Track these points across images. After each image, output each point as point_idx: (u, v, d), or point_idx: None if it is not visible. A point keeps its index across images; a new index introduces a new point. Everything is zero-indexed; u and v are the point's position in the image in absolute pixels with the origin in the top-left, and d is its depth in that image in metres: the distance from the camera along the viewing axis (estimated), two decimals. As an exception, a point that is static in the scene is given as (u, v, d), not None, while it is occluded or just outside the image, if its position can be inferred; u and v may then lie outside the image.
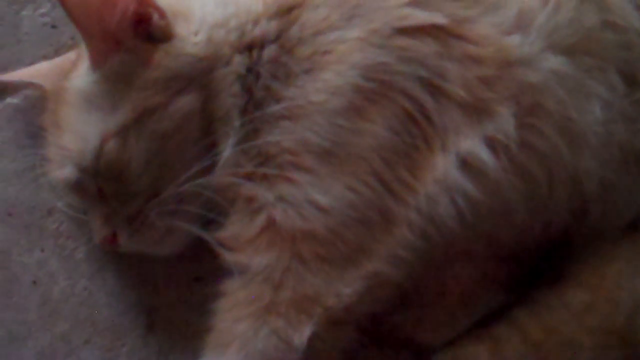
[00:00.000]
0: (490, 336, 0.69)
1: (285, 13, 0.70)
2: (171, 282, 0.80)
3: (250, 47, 0.70)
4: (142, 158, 0.69)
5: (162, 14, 0.72)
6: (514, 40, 0.67)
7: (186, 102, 0.70)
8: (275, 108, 0.68)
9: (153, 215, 0.71)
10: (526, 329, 0.68)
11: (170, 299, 0.80)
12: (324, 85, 0.67)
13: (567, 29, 0.67)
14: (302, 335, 0.64)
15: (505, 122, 0.66)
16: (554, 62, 0.66)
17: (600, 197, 0.69)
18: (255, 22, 0.71)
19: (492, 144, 0.66)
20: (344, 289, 0.65)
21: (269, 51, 0.69)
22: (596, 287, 0.69)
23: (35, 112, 0.81)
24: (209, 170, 0.70)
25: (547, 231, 0.71)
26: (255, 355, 0.64)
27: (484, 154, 0.65)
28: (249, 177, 0.69)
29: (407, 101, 0.66)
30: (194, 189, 0.70)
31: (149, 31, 0.71)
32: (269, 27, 0.70)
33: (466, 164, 0.66)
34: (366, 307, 0.67)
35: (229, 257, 0.68)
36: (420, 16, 0.67)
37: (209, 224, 0.72)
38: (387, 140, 0.66)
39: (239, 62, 0.70)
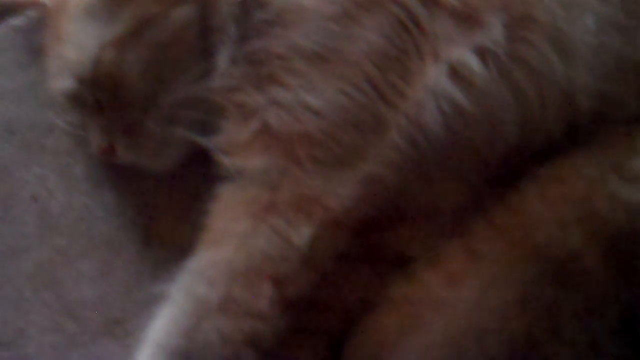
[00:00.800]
0: (464, 232, 0.70)
1: None
2: (168, 199, 0.81)
3: None
4: (140, 68, 0.70)
5: None
6: None
7: (184, 11, 0.71)
8: (267, 14, 0.69)
9: (149, 125, 0.72)
10: (494, 215, 0.69)
11: (167, 214, 0.81)
12: None
13: None
14: (301, 234, 0.65)
15: (495, 31, 0.67)
16: None
17: (594, 111, 0.70)
18: None
19: (481, 53, 0.67)
20: (342, 190, 0.66)
21: None
22: (563, 161, 0.69)
23: (36, 33, 0.81)
24: (204, 78, 0.71)
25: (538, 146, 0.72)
26: (255, 253, 0.65)
27: (473, 63, 0.67)
28: (242, 83, 0.69)
29: (399, 9, 0.68)
30: (189, 94, 0.71)
31: None
32: None
33: (455, 73, 0.67)
34: (364, 210, 0.68)
35: (226, 161, 0.69)
36: None
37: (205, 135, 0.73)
38: (379, 46, 0.68)
39: None
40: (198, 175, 0.77)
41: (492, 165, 0.73)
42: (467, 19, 0.68)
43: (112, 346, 0.78)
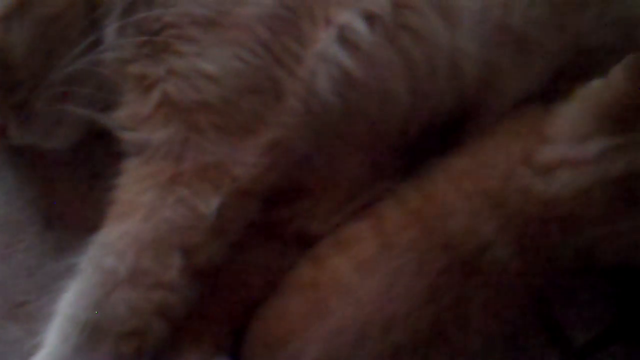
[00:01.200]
0: (372, 213, 0.70)
1: None
2: (68, 180, 0.78)
3: None
4: (27, 44, 0.68)
5: None
6: None
7: None
8: None
9: (41, 103, 0.70)
10: (406, 199, 0.69)
11: (68, 195, 0.78)
12: None
13: None
14: (209, 204, 0.65)
15: None
16: None
17: (481, 79, 0.70)
18: None
19: (369, 18, 0.67)
20: (248, 157, 0.66)
21: None
22: (475, 153, 0.69)
23: None
24: (93, 52, 0.68)
25: (432, 117, 0.72)
26: (163, 223, 0.65)
27: (361, 28, 0.67)
28: (136, 54, 0.68)
29: None
30: (79, 69, 0.68)
31: None
32: None
33: (343, 37, 0.67)
34: (272, 178, 0.68)
35: (127, 136, 0.67)
36: None
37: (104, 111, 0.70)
38: (270, 9, 0.67)
39: None
40: (100, 152, 0.76)
41: (390, 138, 0.73)
42: None
43: (16, 330, 0.75)
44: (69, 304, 0.64)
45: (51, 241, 0.77)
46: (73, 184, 0.79)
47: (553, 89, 0.70)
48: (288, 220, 0.73)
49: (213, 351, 0.69)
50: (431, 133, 0.73)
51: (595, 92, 0.66)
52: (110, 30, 0.68)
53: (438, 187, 0.69)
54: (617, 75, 0.64)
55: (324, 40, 0.67)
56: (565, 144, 0.65)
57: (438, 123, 0.72)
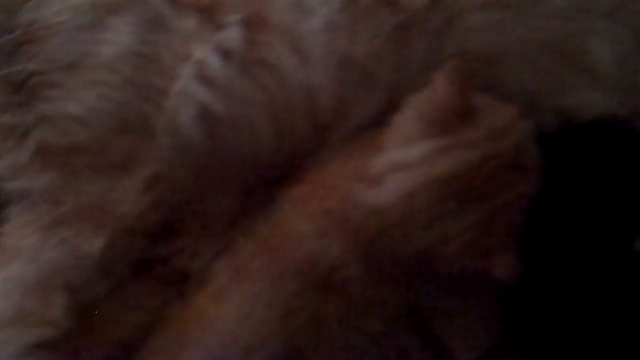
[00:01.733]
0: (229, 248, 0.73)
1: None
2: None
3: None
4: None
5: None
6: None
7: None
8: (14, 35, 0.71)
9: None
10: (257, 230, 0.72)
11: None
12: (63, 5, 0.72)
13: None
14: (93, 243, 0.69)
15: (233, 31, 0.72)
16: None
17: (334, 110, 0.74)
18: None
19: (223, 52, 0.72)
20: (129, 195, 0.71)
21: None
22: (317, 176, 0.73)
23: None
24: None
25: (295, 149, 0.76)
26: (47, 264, 0.69)
27: (216, 62, 0.72)
28: (6, 106, 0.71)
29: (146, 10, 0.73)
30: None
31: None
32: None
33: (201, 73, 0.72)
34: (157, 215, 0.73)
35: (7, 187, 0.71)
36: None
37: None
38: (131, 47, 0.72)
39: None
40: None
41: (258, 172, 0.76)
42: (209, 18, 0.73)
43: None
44: None
45: None
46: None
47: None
48: (167, 259, 0.75)
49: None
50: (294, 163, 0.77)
51: (422, 98, 0.69)
52: None
53: (285, 214, 0.72)
54: (439, 80, 0.67)
55: (184, 77, 0.72)
56: (394, 148, 0.68)
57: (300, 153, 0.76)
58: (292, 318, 0.66)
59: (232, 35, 0.73)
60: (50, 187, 0.70)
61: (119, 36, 0.72)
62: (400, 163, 0.67)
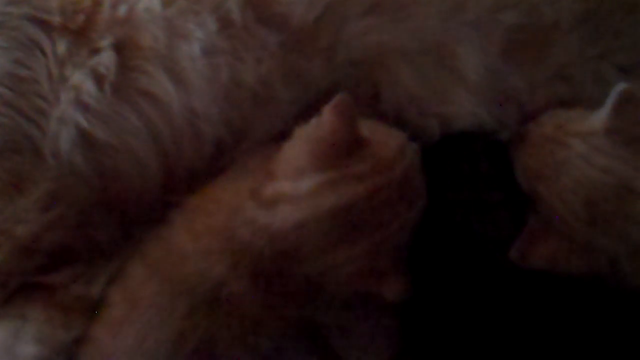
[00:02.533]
0: (120, 273, 0.73)
1: None
2: None
3: None
4: None
5: None
6: None
7: None
8: None
9: None
10: (147, 252, 0.72)
11: None
12: None
13: None
14: None
15: (107, 55, 0.72)
16: (148, 2, 0.73)
17: (220, 138, 0.75)
18: None
19: (97, 77, 0.72)
20: (25, 215, 0.71)
21: None
22: (206, 192, 0.73)
23: None
24: None
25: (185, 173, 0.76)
26: None
27: (91, 88, 0.71)
28: None
29: (17, 34, 0.73)
30: None
31: None
32: None
33: (78, 98, 0.72)
34: (55, 235, 0.72)
35: None
36: None
37: None
38: (8, 69, 0.72)
39: None
40: None
41: (151, 196, 0.76)
42: (83, 41, 0.73)
43: None
44: None
45: None
46: None
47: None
48: (67, 286, 0.74)
49: None
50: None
51: (309, 130, 0.70)
52: None
53: (173, 233, 0.72)
54: (326, 113, 0.68)
55: (63, 102, 0.72)
56: (285, 179, 0.69)
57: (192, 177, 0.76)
58: (185, 340, 0.67)
59: (105, 61, 0.73)
60: None
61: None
62: (291, 195, 0.68)
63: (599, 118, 0.71)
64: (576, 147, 0.71)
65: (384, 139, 0.71)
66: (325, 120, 0.68)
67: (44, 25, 0.74)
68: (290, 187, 0.69)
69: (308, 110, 0.74)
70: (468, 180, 0.74)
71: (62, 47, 0.73)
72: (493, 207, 0.73)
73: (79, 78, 0.72)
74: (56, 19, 0.74)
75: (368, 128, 0.71)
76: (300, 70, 0.75)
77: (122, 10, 0.74)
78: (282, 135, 0.73)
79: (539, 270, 0.71)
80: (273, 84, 0.75)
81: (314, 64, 0.75)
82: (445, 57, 0.77)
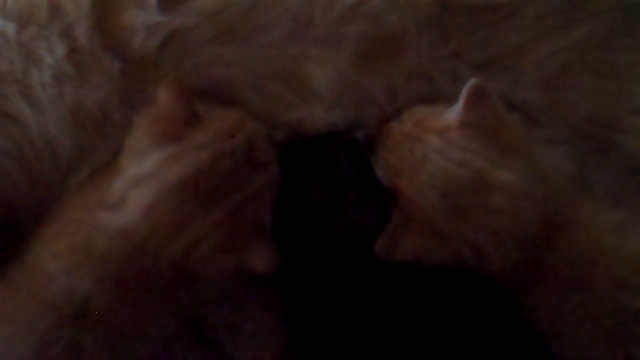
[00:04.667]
0: None
1: None
2: None
3: None
4: None
5: None
6: None
7: None
8: None
9: None
10: (10, 274, 0.72)
11: None
12: None
13: None
14: None
15: None
16: (2, 26, 0.75)
17: (75, 156, 0.77)
18: None
19: None
20: None
21: None
22: (62, 214, 0.74)
23: None
24: None
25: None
26: None
27: None
28: None
29: None
30: None
31: None
32: None
33: None
34: None
35: None
36: None
37: None
38: None
39: None
40: None
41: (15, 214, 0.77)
42: None
43: None
44: None
45: None
46: None
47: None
48: None
49: None
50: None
51: (147, 114, 0.73)
52: None
53: (36, 255, 0.72)
54: (160, 93, 0.71)
55: None
56: (130, 165, 0.71)
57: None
58: (49, 351, 0.68)
59: None
60: None
61: None
62: (137, 178, 0.70)
63: (453, 113, 0.74)
64: (432, 142, 0.73)
65: (222, 114, 0.74)
66: (160, 100, 0.71)
67: None
68: (134, 170, 0.70)
69: None
70: (328, 181, 0.76)
71: None
72: (355, 205, 0.76)
73: None
74: None
75: (205, 108, 0.74)
76: (137, 98, 0.78)
77: None
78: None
79: (405, 263, 0.73)
80: (112, 110, 0.77)
81: (152, 92, 0.76)
82: (294, 76, 0.80)
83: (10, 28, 0.76)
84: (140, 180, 0.69)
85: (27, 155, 0.76)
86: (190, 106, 0.71)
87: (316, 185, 0.76)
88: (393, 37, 0.81)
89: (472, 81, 0.74)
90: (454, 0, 0.81)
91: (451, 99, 0.76)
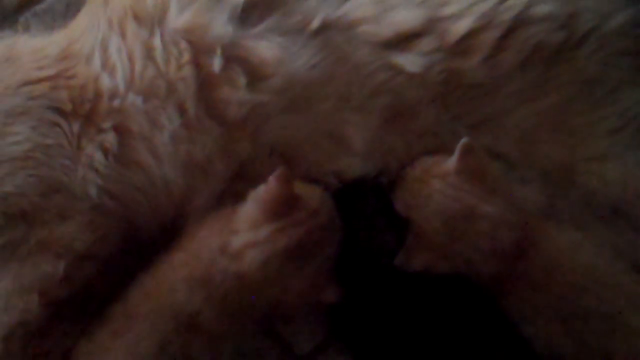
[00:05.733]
0: (122, 296, 0.99)
1: None
2: None
3: None
4: None
5: None
6: (105, 80, 1.02)
7: None
8: None
9: None
10: (144, 282, 0.99)
11: None
12: None
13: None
14: (56, 266, 0.97)
15: (109, 135, 1.00)
16: (132, 99, 1.01)
17: (185, 195, 1.03)
18: None
19: (104, 149, 1.00)
20: (76, 233, 0.98)
21: None
22: (187, 247, 1.00)
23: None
24: None
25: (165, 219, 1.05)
26: (25, 279, 0.97)
27: (101, 157, 1.00)
28: None
29: (45, 120, 1.00)
30: None
31: None
32: None
33: (92, 164, 0.99)
34: (104, 247, 1.00)
35: None
36: (35, 74, 1.02)
37: None
38: (40, 141, 0.99)
39: None
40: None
41: (145, 233, 1.05)
42: (91, 121, 1.01)
43: None
44: None
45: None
46: None
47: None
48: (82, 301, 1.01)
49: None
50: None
51: (259, 193, 0.98)
52: None
53: (165, 272, 0.99)
54: (271, 181, 0.96)
55: (82, 165, 0.99)
56: (247, 232, 0.97)
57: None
58: (166, 348, 0.94)
59: (109, 138, 1.00)
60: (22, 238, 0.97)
61: (24, 135, 0.98)
62: (253, 242, 0.96)
63: (451, 163, 1.00)
64: (435, 184, 1.00)
65: (310, 193, 1.01)
66: (271, 186, 0.97)
67: (59, 111, 1.01)
68: (252, 236, 0.96)
69: (236, 177, 1.05)
70: (362, 213, 1.05)
71: (75, 126, 1.00)
72: (381, 230, 1.04)
73: (91, 150, 0.99)
74: (68, 107, 1.01)
75: (298, 187, 0.99)
76: (229, 153, 1.04)
77: (116, 102, 1.00)
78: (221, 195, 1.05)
79: (417, 272, 1.00)
80: (213, 161, 1.03)
81: (241, 147, 1.04)
82: (338, 136, 1.06)
83: (138, 100, 1.01)
84: (256, 245, 0.95)
85: (150, 191, 1.02)
86: (292, 192, 0.97)
87: (353, 217, 1.04)
88: (409, 106, 1.06)
89: (464, 140, 0.99)
90: (453, 80, 1.04)
91: (450, 151, 1.01)
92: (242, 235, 0.97)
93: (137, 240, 1.05)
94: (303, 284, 0.98)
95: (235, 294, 0.96)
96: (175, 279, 0.97)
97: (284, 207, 0.97)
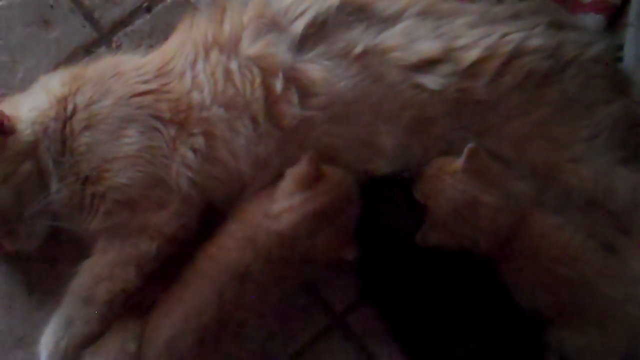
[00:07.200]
0: (192, 259, 1.26)
1: (61, 102, 1.27)
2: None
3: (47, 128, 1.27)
4: (8, 200, 1.24)
5: (9, 119, 1.26)
6: (195, 95, 1.26)
7: (27, 165, 1.26)
8: (71, 144, 1.26)
9: (20, 229, 1.26)
10: (206, 247, 1.25)
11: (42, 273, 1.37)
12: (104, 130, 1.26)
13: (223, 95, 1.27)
14: (150, 246, 1.23)
15: (198, 138, 1.25)
16: (216, 110, 1.26)
17: (248, 181, 1.29)
18: (46, 116, 1.28)
19: (194, 150, 1.25)
20: (167, 220, 1.24)
21: (55, 126, 1.26)
22: (241, 217, 1.26)
23: None
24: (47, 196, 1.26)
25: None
26: (126, 254, 1.23)
27: (192, 156, 1.25)
28: (77, 188, 1.25)
29: (149, 125, 1.25)
30: (42, 208, 1.26)
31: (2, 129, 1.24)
32: (53, 113, 1.27)
33: (184, 161, 1.25)
34: (184, 232, 1.25)
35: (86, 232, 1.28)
36: (140, 87, 1.27)
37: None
38: (147, 143, 1.25)
39: (47, 139, 1.27)
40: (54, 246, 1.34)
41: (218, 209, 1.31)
42: (184, 128, 1.26)
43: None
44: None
45: (34, 302, 1.36)
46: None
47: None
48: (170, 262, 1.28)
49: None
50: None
51: (293, 170, 1.24)
52: (53, 183, 1.26)
53: (223, 239, 1.25)
54: (302, 160, 1.23)
55: (176, 163, 1.24)
56: (283, 200, 1.23)
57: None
58: (224, 295, 1.20)
59: (198, 141, 1.24)
60: (122, 223, 1.23)
61: (135, 137, 1.23)
62: (288, 207, 1.22)
63: (460, 162, 1.24)
64: (447, 180, 1.25)
65: (333, 172, 1.24)
66: (302, 165, 1.22)
67: (159, 119, 1.25)
68: (286, 202, 1.22)
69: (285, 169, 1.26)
70: (389, 200, 1.31)
71: (172, 131, 1.24)
72: (404, 214, 1.30)
73: (184, 150, 1.23)
74: (167, 115, 1.25)
75: (324, 168, 1.23)
76: (284, 152, 1.27)
77: (204, 113, 1.25)
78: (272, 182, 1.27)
79: (432, 248, 1.26)
80: (272, 157, 1.27)
81: (292, 148, 1.26)
82: (371, 142, 1.28)
83: (221, 111, 1.25)
84: (291, 209, 1.21)
85: (227, 181, 1.27)
86: (318, 169, 1.21)
87: (381, 203, 1.29)
88: (429, 118, 1.27)
89: (470, 144, 1.23)
90: (464, 98, 1.26)
91: (459, 153, 1.25)
92: (280, 202, 1.22)
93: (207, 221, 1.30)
94: (327, 241, 1.21)
95: (276, 249, 1.20)
96: (230, 242, 1.23)
97: (312, 181, 1.21)
